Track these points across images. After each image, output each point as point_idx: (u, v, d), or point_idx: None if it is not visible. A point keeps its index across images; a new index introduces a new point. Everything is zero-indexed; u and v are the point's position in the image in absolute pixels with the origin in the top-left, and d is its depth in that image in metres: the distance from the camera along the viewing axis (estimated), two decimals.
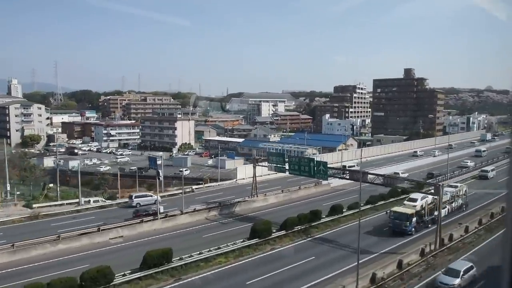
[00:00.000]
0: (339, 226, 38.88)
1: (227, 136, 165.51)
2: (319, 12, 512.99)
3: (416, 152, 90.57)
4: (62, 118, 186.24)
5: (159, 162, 49.57)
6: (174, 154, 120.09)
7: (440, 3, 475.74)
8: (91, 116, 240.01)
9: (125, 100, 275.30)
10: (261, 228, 33.20)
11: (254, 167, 48.08)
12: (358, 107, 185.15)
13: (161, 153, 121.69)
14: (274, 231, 35.05)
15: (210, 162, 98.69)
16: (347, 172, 39.47)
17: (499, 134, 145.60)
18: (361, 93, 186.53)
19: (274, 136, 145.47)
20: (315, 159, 41.07)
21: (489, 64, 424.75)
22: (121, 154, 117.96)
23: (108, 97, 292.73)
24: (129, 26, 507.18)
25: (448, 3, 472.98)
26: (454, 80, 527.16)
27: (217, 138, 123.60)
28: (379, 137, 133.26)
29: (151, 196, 47.86)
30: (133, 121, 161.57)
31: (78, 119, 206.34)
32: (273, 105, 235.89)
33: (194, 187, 55.31)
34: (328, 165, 40.47)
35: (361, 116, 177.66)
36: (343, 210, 41.49)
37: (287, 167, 42.90)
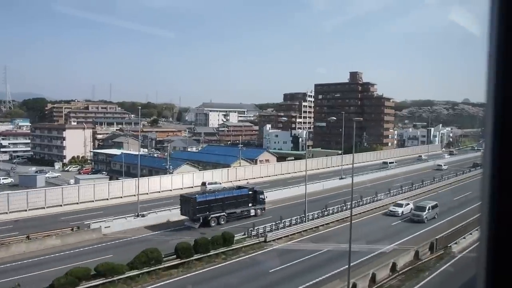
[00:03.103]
0: None
1: (154, 149, 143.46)
2: (310, 27, 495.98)
3: (421, 156, 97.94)
4: None
5: None
6: (54, 169, 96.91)
7: (425, 21, 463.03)
8: (24, 124, 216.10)
9: (71, 108, 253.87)
10: None
11: None
12: (308, 117, 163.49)
13: (33, 168, 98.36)
14: None
15: (72, 181, 75.95)
16: None
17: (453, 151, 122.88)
18: (312, 101, 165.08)
19: (196, 148, 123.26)
20: None
21: (468, 77, 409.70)
22: None
23: (54, 105, 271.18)
24: (111, 37, 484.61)
25: (432, 21, 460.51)
26: (432, 93, 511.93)
27: (106, 151, 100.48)
28: (313, 151, 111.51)
29: (220, 183, 53.71)
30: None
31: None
32: (224, 115, 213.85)
33: None
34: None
35: (309, 127, 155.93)
36: None
37: None
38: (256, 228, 33.10)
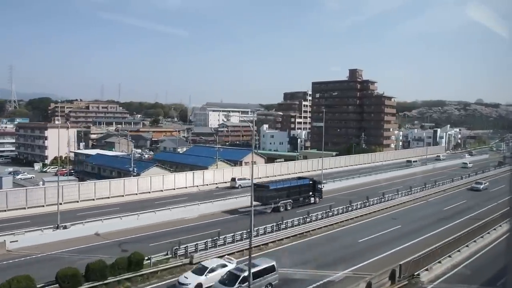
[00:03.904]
0: None
1: (148, 149, 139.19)
2: (323, 27, 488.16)
3: (439, 156, 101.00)
4: None
5: None
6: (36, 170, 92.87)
7: (439, 20, 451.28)
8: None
9: (72, 107, 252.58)
10: None
11: None
12: (309, 117, 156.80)
13: (10, 168, 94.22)
14: None
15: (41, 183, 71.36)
16: None
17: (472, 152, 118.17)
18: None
19: (184, 148, 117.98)
20: None
21: (482, 77, 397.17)
22: None
23: (56, 105, 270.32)
24: (121, 37, 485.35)
25: (447, 20, 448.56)
26: (444, 93, 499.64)
27: (85, 151, 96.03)
28: (306, 152, 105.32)
29: (248, 179, 52.68)
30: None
31: None
32: (225, 115, 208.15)
33: None
34: None
35: (309, 128, 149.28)
36: None
37: None
38: (185, 245, 27.25)
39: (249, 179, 55.84)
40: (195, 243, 27.85)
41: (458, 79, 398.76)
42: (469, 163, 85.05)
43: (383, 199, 44.03)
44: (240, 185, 55.35)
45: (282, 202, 41.64)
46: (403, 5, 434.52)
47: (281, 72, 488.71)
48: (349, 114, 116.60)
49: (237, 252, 28.48)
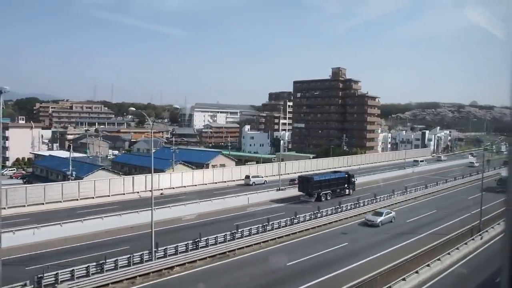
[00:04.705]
0: None
1: (126, 150, 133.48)
2: (322, 29, 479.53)
3: (440, 157, 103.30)
4: None
5: None
6: None
7: (436, 24, 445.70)
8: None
9: (55, 108, 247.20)
10: None
11: None
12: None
13: None
14: None
15: None
16: None
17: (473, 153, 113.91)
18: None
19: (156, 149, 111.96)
20: None
21: (478, 80, 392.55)
22: None
23: (41, 105, 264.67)
24: (117, 37, 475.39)
25: (443, 23, 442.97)
26: (439, 95, 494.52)
27: (45, 153, 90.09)
28: (284, 155, 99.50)
29: (262, 177, 58.81)
30: None
31: None
32: (211, 116, 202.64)
33: None
34: None
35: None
36: None
37: None
38: (56, 272, 21.46)
39: (261, 177, 58.51)
40: (71, 269, 22.09)
41: (454, 81, 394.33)
42: (476, 162, 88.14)
43: (339, 209, 38.40)
44: (254, 182, 56.47)
45: (323, 192, 45.67)
46: (401, 8, 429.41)
47: (281, 73, 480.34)
48: (331, 114, 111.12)
49: (126, 279, 22.74)
